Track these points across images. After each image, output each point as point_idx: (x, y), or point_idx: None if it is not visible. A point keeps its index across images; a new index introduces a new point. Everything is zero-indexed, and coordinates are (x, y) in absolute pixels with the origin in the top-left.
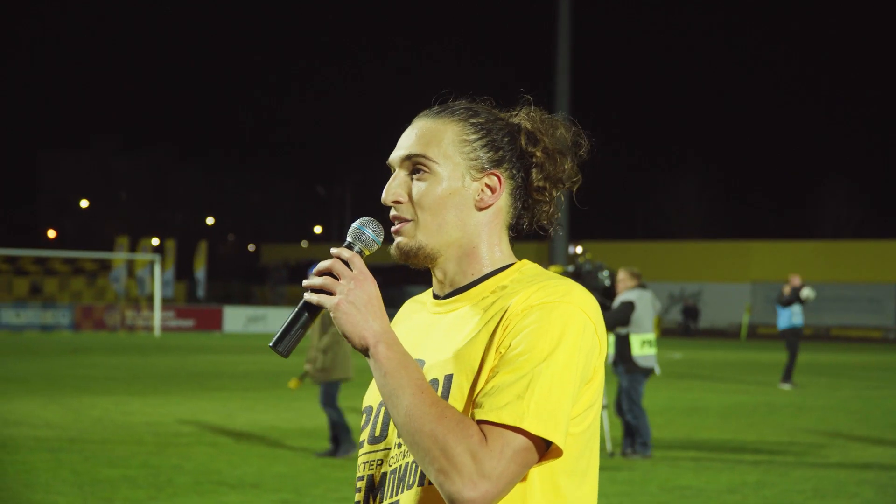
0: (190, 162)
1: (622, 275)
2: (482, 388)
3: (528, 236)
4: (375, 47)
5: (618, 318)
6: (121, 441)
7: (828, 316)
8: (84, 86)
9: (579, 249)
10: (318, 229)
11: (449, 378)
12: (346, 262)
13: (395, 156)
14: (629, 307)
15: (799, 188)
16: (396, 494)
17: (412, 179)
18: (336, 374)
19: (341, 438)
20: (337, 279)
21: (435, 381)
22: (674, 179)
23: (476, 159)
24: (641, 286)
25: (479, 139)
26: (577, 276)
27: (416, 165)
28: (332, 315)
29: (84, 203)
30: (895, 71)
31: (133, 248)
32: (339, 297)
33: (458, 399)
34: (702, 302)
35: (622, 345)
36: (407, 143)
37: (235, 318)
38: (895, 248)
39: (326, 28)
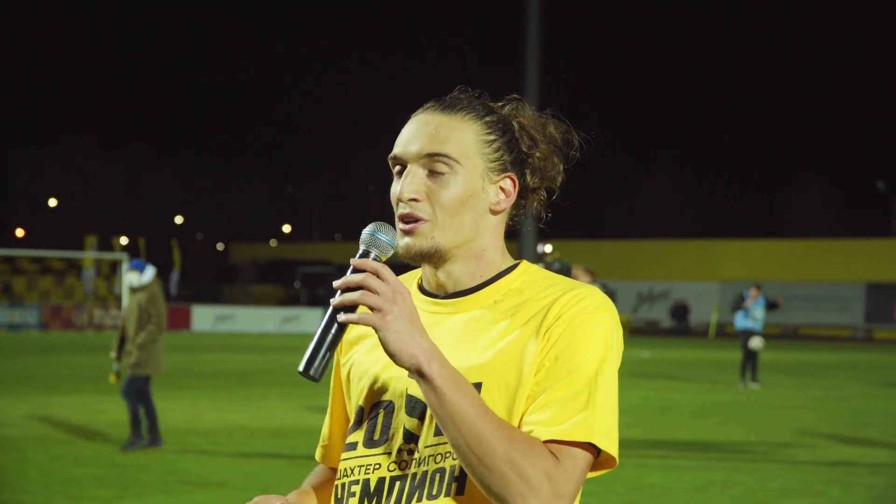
0: (159, 161)
1: (577, 271)
2: (534, 404)
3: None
4: (343, 47)
5: None
6: (88, 440)
7: (797, 315)
8: (54, 84)
9: (549, 248)
10: (286, 228)
11: (476, 386)
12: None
13: (411, 150)
14: None
15: (769, 187)
16: (408, 503)
17: (429, 177)
18: (148, 369)
19: (138, 430)
20: (375, 293)
21: None
22: (644, 178)
23: (495, 161)
24: (595, 282)
25: (497, 139)
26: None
27: (436, 163)
28: (378, 334)
29: (53, 202)
30: (866, 69)
31: (102, 247)
32: (386, 316)
33: None
34: (670, 301)
35: None
36: (424, 138)
37: (204, 317)
38: (864, 247)
39: (296, 29)
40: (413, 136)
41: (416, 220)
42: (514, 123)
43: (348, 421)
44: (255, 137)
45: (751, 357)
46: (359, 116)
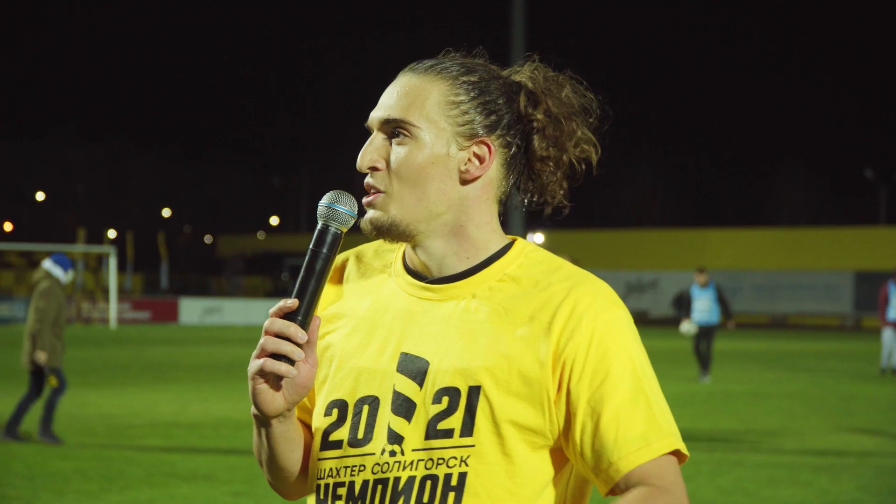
0: (146, 153)
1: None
2: (595, 430)
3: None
4: (328, 36)
5: None
6: (74, 433)
7: (785, 304)
8: (39, 76)
9: (539, 237)
10: (274, 220)
11: (476, 390)
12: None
13: (374, 116)
14: None
15: (755, 175)
16: None
17: (391, 144)
18: (54, 362)
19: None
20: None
21: (454, 391)
22: (630, 168)
23: (464, 124)
24: None
25: (469, 101)
26: None
27: (395, 129)
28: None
29: (40, 195)
30: (850, 56)
31: (90, 240)
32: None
33: (485, 414)
34: (657, 290)
35: None
36: (388, 102)
37: (192, 309)
38: (851, 235)
39: (279, 19)
40: (382, 101)
41: (376, 191)
42: (515, 82)
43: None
44: (241, 129)
45: (699, 350)
46: (345, 106)
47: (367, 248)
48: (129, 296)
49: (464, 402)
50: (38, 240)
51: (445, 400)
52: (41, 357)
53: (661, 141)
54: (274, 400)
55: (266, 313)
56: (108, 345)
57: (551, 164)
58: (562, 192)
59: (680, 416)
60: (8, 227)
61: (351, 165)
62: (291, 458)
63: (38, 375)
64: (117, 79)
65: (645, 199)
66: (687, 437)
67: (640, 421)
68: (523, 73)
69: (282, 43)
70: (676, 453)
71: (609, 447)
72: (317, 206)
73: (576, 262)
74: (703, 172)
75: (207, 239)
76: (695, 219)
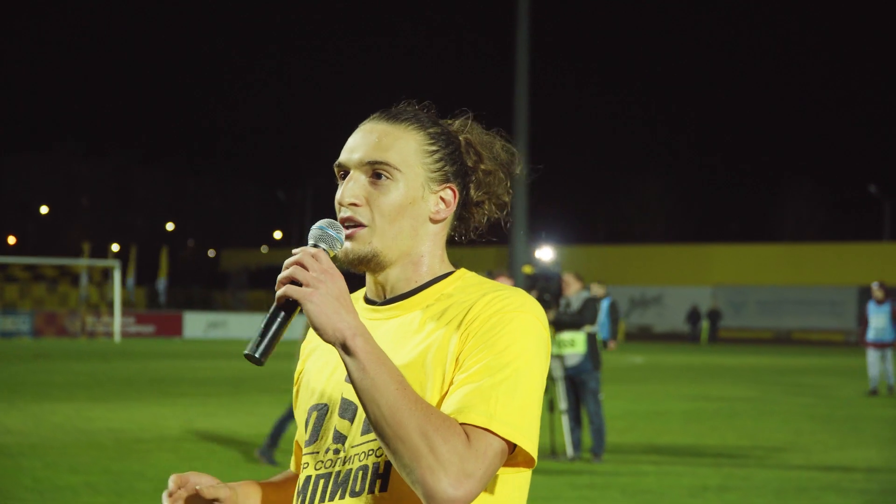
0: (150, 167)
1: (570, 278)
2: (450, 391)
3: (487, 241)
4: (336, 52)
5: (594, 315)
6: (82, 447)
7: (790, 319)
8: (45, 90)
9: (547, 252)
10: (278, 234)
11: None
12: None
13: (353, 158)
14: (596, 303)
15: (760, 191)
16: (331, 500)
17: (371, 184)
18: None
19: None
20: (308, 272)
21: None
22: (636, 182)
23: (436, 171)
24: (584, 289)
25: (439, 150)
26: (545, 278)
27: (377, 170)
28: (303, 307)
29: (44, 209)
30: (857, 74)
31: (94, 254)
32: (311, 289)
33: None
34: (662, 305)
35: (593, 344)
36: (366, 146)
37: (196, 323)
38: (856, 251)
39: (287, 34)
40: (357, 144)
41: (356, 224)
42: (461, 138)
43: None
44: (246, 143)
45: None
46: (349, 121)
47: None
48: (133, 310)
49: None
50: (43, 253)
51: None
52: None
53: (667, 156)
54: None
55: None
56: (113, 358)
57: (484, 207)
58: (483, 227)
59: (686, 433)
60: (12, 240)
61: None
62: None
63: None
64: (122, 93)
65: (650, 214)
66: (694, 452)
67: (485, 398)
68: (457, 127)
69: (289, 59)
70: (505, 440)
71: (449, 402)
72: (320, 221)
73: (581, 278)
74: (709, 187)
75: (211, 253)
76: (700, 234)
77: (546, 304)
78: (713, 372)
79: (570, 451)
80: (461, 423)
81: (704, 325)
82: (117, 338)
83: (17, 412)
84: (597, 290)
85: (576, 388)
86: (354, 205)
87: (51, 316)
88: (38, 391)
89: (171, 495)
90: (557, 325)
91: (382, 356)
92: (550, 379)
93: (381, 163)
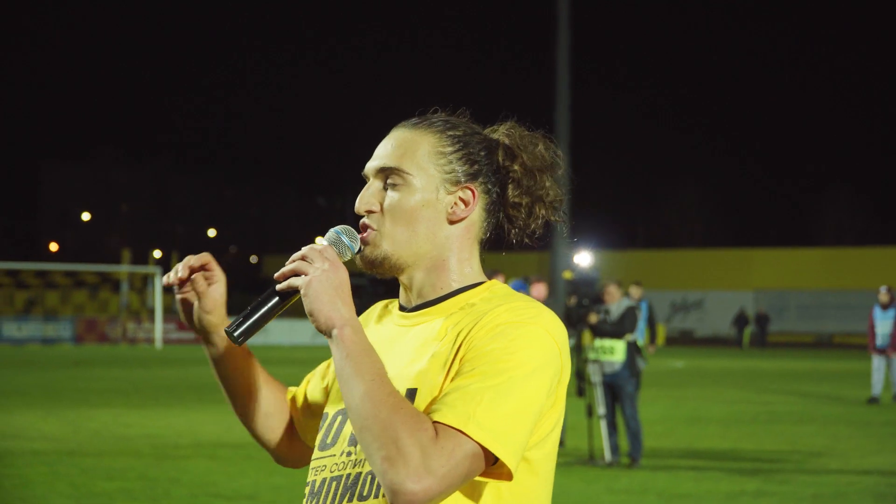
0: (191, 174)
1: (612, 288)
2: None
3: (529, 246)
4: (377, 59)
5: (633, 323)
6: (119, 454)
7: (830, 323)
8: (86, 97)
9: (586, 257)
10: (319, 240)
11: (412, 392)
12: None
13: (370, 166)
14: (636, 311)
15: (800, 195)
16: (340, 503)
17: (386, 190)
18: None
19: None
20: (310, 264)
21: None
22: (675, 188)
23: (451, 172)
24: (625, 297)
25: (454, 151)
26: (585, 283)
27: (390, 176)
28: (301, 294)
29: (86, 216)
30: None
31: (135, 260)
32: (310, 277)
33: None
34: (703, 310)
35: (633, 351)
36: (382, 153)
37: None
38: None
39: (329, 41)
40: (377, 152)
41: (368, 229)
42: (496, 138)
43: (307, 402)
44: (286, 150)
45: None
46: (388, 128)
47: (391, 301)
48: (174, 316)
49: None
50: (84, 260)
51: None
52: None
53: (706, 161)
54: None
55: (311, 333)
56: (153, 365)
57: (524, 210)
58: (535, 232)
59: (725, 437)
60: (54, 247)
61: None
62: (237, 384)
63: None
64: (163, 101)
65: (689, 219)
66: (732, 457)
67: (468, 401)
68: (500, 131)
69: (331, 66)
70: (481, 446)
71: (436, 403)
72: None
73: (620, 285)
74: (749, 192)
75: (253, 259)
76: (740, 239)
77: (585, 310)
78: (754, 376)
79: (608, 455)
80: (434, 422)
81: (748, 329)
82: (158, 344)
83: (55, 419)
84: (634, 291)
85: (613, 392)
86: (370, 211)
87: (92, 322)
88: (77, 397)
89: (181, 283)
90: (597, 332)
91: (368, 349)
92: (589, 384)
93: (392, 168)
